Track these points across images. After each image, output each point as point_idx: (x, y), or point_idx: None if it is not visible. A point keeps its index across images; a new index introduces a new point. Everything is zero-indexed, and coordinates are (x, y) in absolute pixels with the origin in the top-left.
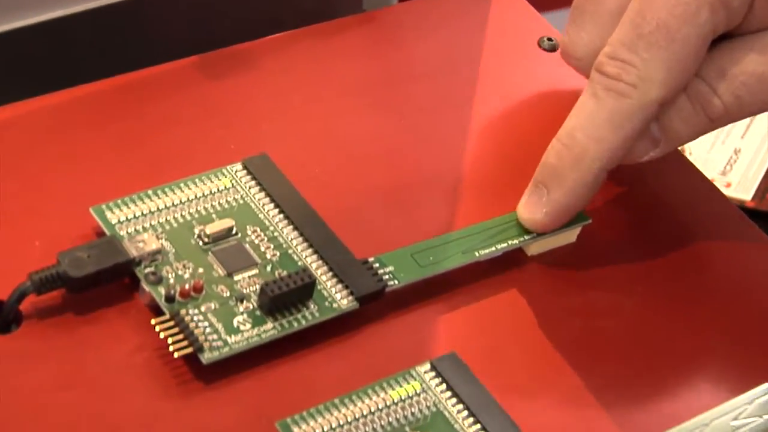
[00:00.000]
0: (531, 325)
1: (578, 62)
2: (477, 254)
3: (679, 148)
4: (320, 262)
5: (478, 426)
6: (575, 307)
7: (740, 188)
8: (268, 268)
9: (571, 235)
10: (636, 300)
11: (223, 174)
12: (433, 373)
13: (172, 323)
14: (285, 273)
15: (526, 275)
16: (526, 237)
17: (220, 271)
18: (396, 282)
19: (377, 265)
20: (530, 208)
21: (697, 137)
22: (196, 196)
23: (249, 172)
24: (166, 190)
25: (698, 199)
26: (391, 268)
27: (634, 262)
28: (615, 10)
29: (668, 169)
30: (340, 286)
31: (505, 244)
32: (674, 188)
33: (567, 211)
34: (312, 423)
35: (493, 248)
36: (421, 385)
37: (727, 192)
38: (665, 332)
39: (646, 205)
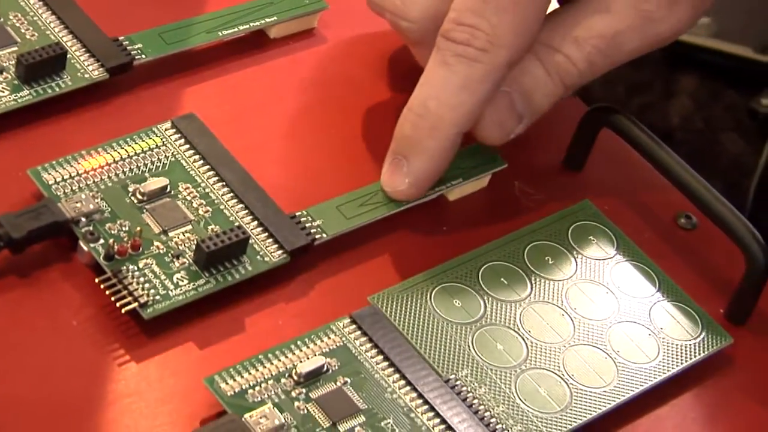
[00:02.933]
0: (270, 96)
1: (411, 25)
2: (220, 34)
3: None
4: (65, 33)
5: (213, 173)
6: (313, 79)
7: None
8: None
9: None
10: None
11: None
12: (173, 130)
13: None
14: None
15: (267, 57)
16: (267, 20)
17: None
18: (143, 56)
19: (127, 42)
20: (393, 180)
21: (554, 104)
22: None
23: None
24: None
25: None
26: (139, 45)
27: None
28: None
29: None
30: (92, 60)
31: (247, 26)
32: None
33: (429, 178)
34: (60, 170)
35: (236, 29)
36: (161, 140)
37: None
38: None
39: None
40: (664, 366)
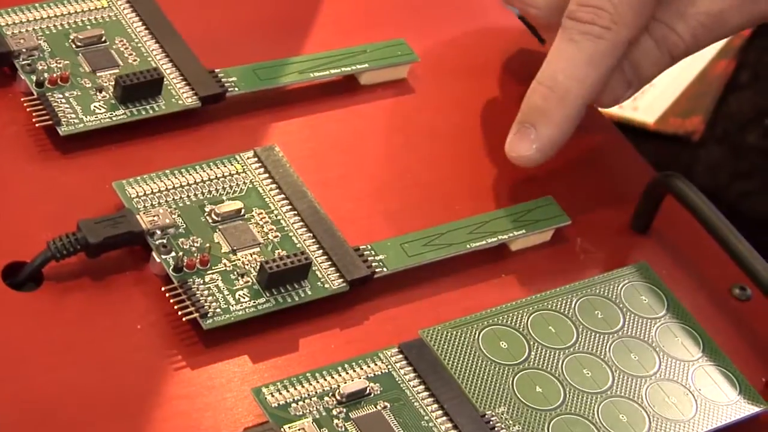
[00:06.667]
0: (353, 137)
1: (538, 11)
2: (311, 75)
3: None
4: (165, 60)
5: (286, 202)
6: (396, 126)
7: (646, 112)
8: None
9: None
10: None
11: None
12: (254, 159)
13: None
14: None
15: (354, 101)
16: (358, 66)
17: None
18: (236, 89)
19: (222, 75)
20: (520, 146)
21: (661, 73)
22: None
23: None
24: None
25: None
26: (233, 78)
27: None
28: None
29: None
30: (187, 87)
31: (338, 71)
32: None
33: (555, 145)
34: (144, 186)
35: (327, 72)
36: (242, 167)
37: (633, 114)
38: None
39: None
40: (698, 424)
